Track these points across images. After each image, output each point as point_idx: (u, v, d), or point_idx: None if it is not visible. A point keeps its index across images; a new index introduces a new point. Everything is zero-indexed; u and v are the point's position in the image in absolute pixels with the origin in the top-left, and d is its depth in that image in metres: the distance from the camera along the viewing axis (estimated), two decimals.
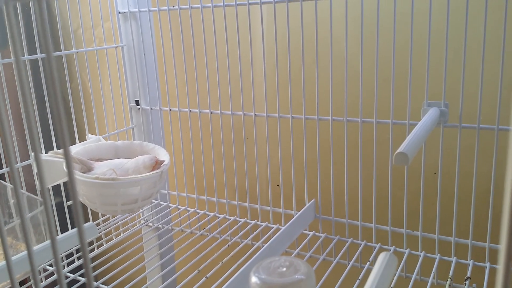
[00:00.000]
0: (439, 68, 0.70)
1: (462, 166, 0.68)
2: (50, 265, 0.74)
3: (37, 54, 0.76)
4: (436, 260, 0.69)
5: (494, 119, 0.62)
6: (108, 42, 0.92)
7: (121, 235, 0.86)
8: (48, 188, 0.79)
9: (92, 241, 0.80)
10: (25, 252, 0.57)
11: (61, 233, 0.64)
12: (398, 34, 0.66)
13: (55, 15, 0.90)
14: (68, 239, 0.61)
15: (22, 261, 0.56)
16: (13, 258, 0.56)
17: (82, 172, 0.73)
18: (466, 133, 0.66)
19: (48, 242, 0.62)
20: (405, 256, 0.70)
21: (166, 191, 0.94)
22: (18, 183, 0.25)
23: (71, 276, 0.72)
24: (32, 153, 0.76)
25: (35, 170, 0.76)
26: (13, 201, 0.77)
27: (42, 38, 0.21)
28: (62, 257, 0.77)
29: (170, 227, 0.88)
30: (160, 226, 0.89)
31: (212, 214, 0.88)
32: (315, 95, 0.73)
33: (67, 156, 0.21)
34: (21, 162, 0.75)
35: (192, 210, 0.90)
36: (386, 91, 0.76)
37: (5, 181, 0.79)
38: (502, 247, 0.19)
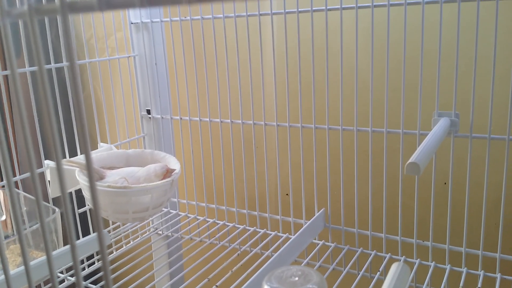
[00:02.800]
0: (449, 78, 0.70)
1: (473, 176, 0.68)
2: (61, 272, 0.75)
3: (51, 64, 0.77)
4: (447, 271, 0.68)
5: (505, 129, 0.62)
6: (120, 52, 0.93)
7: (131, 243, 0.86)
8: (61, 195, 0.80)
9: None
10: (39, 259, 0.58)
11: None
12: (408, 44, 0.67)
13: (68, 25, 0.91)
14: (80, 246, 0.61)
15: (35, 268, 0.56)
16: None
17: None
18: (477, 143, 0.66)
19: (60, 249, 0.63)
20: (415, 267, 0.70)
21: (176, 199, 0.95)
22: (39, 192, 0.25)
23: (83, 283, 0.72)
24: (45, 161, 0.77)
25: (47, 178, 0.77)
26: (25, 208, 0.78)
27: (67, 51, 0.22)
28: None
29: (179, 236, 0.88)
30: (170, 234, 0.89)
31: (221, 222, 0.89)
32: (325, 105, 0.73)
33: (89, 167, 0.22)
34: None
35: (201, 218, 0.91)
36: (396, 101, 0.76)
37: (18, 189, 0.80)
38: None
